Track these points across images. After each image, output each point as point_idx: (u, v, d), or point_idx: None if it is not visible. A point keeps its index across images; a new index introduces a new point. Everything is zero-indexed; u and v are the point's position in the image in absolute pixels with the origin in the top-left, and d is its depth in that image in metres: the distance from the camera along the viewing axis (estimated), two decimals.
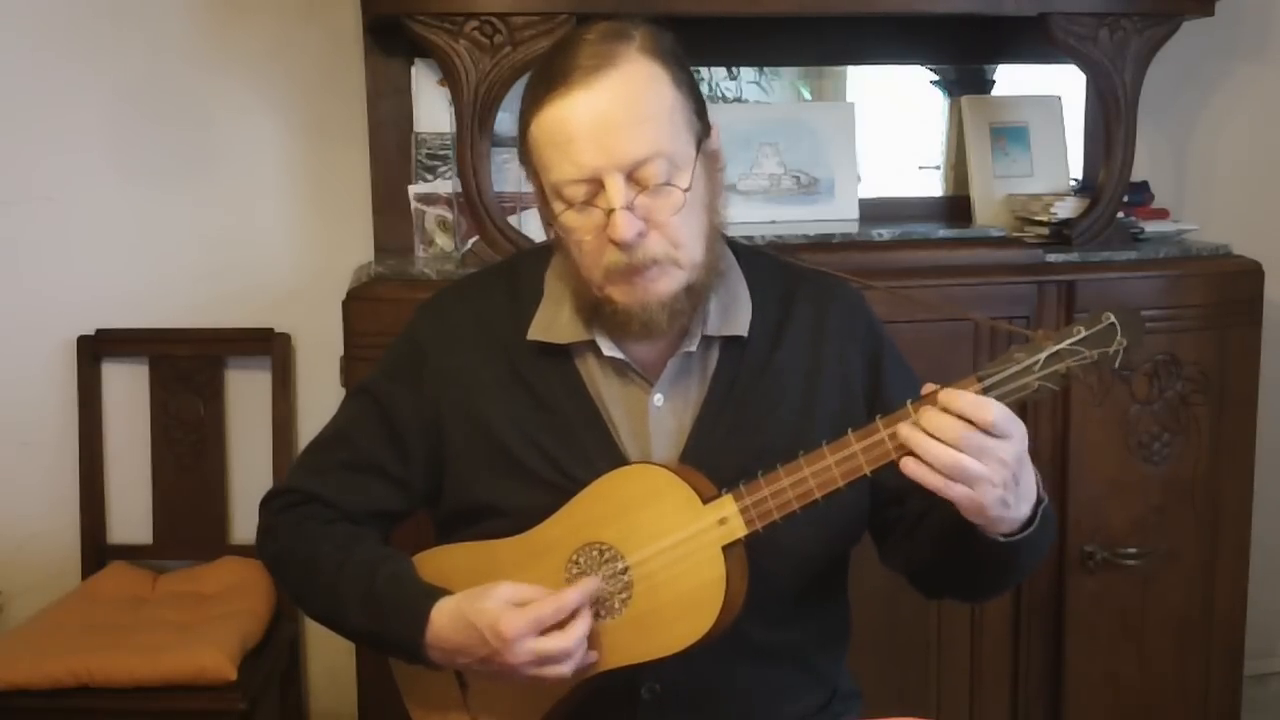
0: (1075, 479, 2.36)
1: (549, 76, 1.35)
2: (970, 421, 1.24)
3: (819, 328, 1.50)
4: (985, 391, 1.27)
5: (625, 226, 1.32)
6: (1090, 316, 1.28)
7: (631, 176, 1.33)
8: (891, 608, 2.25)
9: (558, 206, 1.37)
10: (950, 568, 1.43)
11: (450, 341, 1.50)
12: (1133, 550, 2.39)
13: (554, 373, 1.45)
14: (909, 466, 1.26)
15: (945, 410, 1.25)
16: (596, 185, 1.33)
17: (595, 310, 1.41)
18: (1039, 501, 1.33)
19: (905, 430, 1.26)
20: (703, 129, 1.39)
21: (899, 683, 2.34)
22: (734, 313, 1.46)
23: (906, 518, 1.47)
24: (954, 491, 1.25)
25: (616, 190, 1.32)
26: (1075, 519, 2.37)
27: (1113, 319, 1.27)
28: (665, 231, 1.35)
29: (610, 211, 1.32)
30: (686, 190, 1.34)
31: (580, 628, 1.33)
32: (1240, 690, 2.55)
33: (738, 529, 1.33)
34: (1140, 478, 2.39)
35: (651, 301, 1.37)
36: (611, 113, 1.31)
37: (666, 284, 1.37)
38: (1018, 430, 1.26)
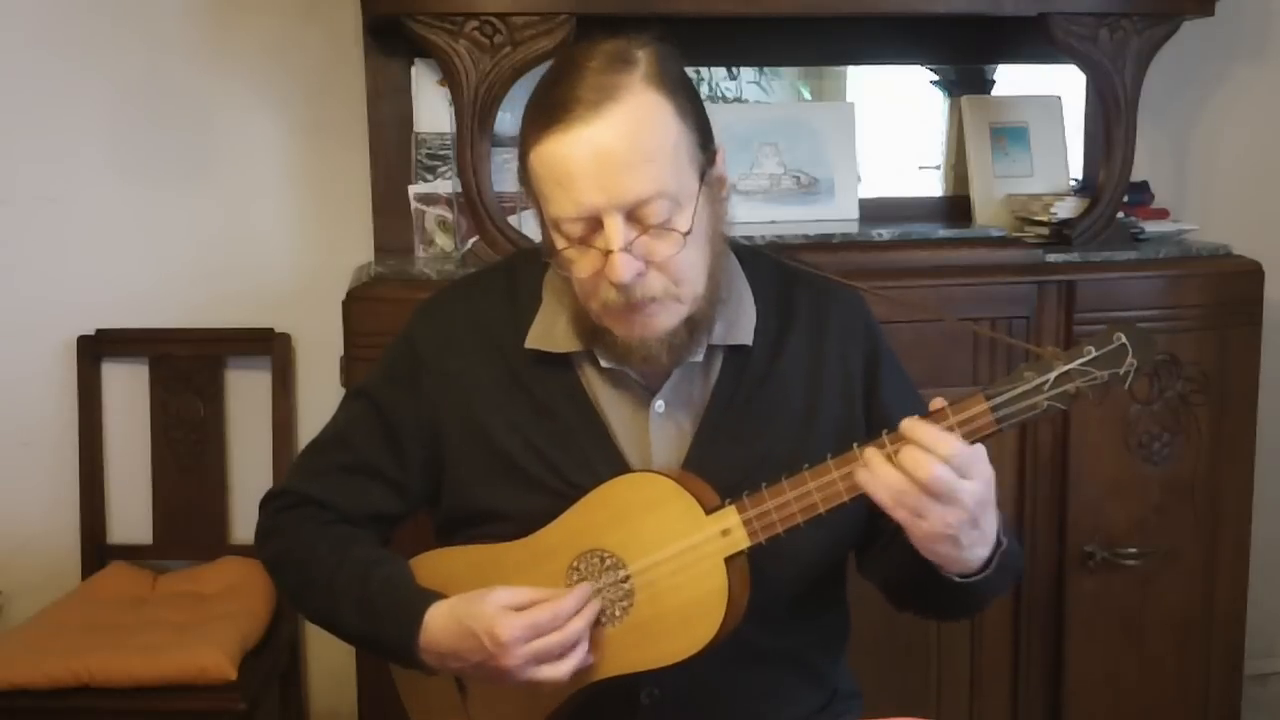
0: (1075, 479, 2.36)
1: (550, 106, 1.31)
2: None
3: (819, 331, 1.49)
4: (993, 410, 1.26)
5: (623, 269, 1.29)
6: (1100, 336, 1.27)
7: (632, 215, 1.30)
8: (891, 609, 2.25)
9: (558, 241, 1.34)
10: (910, 591, 1.45)
11: (448, 344, 1.50)
12: (1133, 550, 2.39)
13: (553, 378, 1.45)
14: (861, 475, 1.26)
15: (911, 440, 1.24)
16: (595, 223, 1.30)
17: (594, 334, 1.40)
18: (997, 545, 1.33)
19: (869, 453, 1.26)
20: (707, 159, 1.36)
21: (899, 683, 2.34)
22: (739, 321, 1.45)
23: (888, 530, 1.47)
24: (899, 514, 1.26)
25: (615, 231, 1.29)
26: (1075, 519, 2.37)
27: (1124, 339, 1.26)
28: (665, 270, 1.33)
29: (609, 252, 1.30)
30: (687, 233, 1.31)
31: (577, 626, 1.33)
32: (1240, 690, 2.55)
33: (741, 541, 1.33)
34: (1140, 478, 2.39)
35: (650, 337, 1.35)
36: (613, 151, 1.28)
37: (665, 319, 1.35)
38: (984, 474, 1.26)
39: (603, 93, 1.29)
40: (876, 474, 1.25)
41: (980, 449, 1.27)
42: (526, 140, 1.34)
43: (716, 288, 1.40)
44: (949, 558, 1.29)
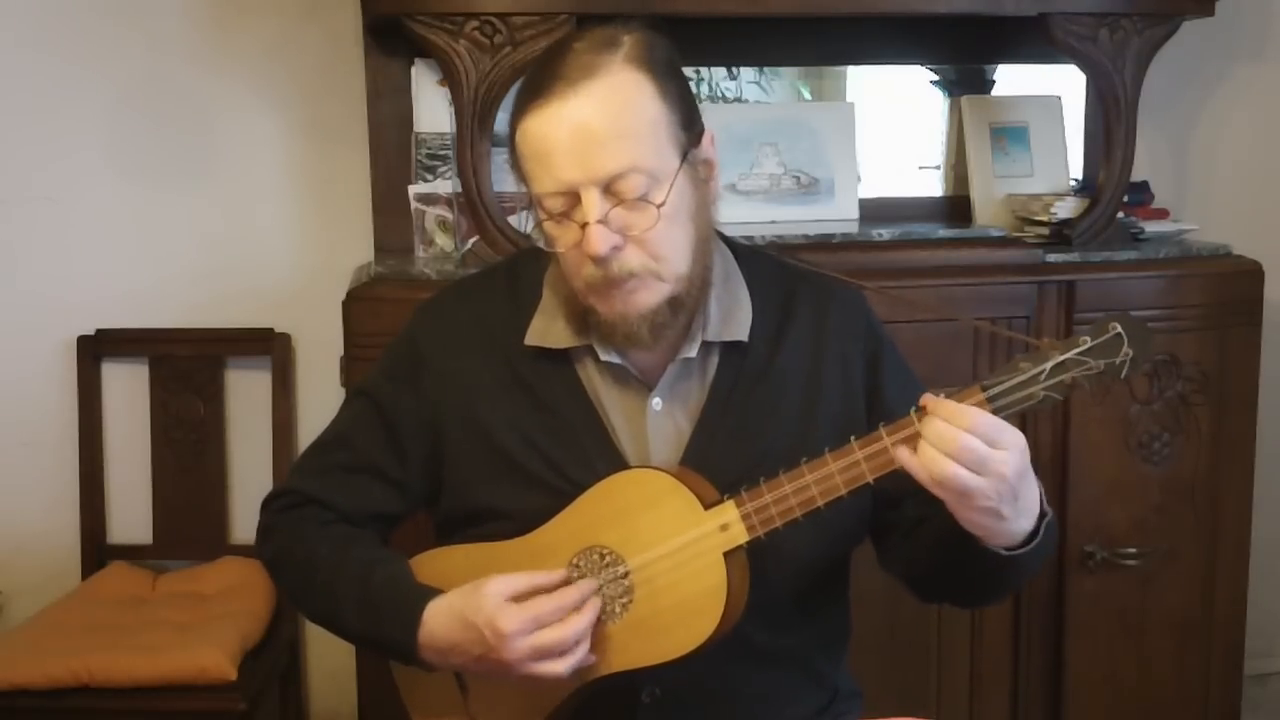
0: (1075, 479, 2.36)
1: (535, 85, 1.34)
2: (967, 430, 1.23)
3: (819, 329, 1.49)
4: (990, 401, 1.26)
5: (599, 242, 1.31)
6: (1096, 326, 1.27)
7: (609, 189, 1.32)
8: (892, 609, 2.25)
9: (541, 217, 1.37)
10: (946, 575, 1.43)
11: (449, 343, 1.50)
12: (1133, 550, 2.39)
13: (553, 376, 1.45)
14: (903, 455, 1.26)
15: (936, 414, 1.24)
16: (574, 198, 1.33)
17: (583, 319, 1.41)
18: (1042, 515, 1.32)
19: (908, 447, 1.26)
20: (690, 140, 1.38)
21: (899, 683, 2.34)
22: (735, 317, 1.45)
23: (904, 522, 1.47)
24: (943, 493, 1.25)
25: (591, 204, 1.31)
26: (1075, 519, 2.37)
27: (1119, 329, 1.26)
28: (644, 245, 1.34)
29: (585, 225, 1.32)
30: (661, 206, 1.33)
31: (579, 621, 1.33)
32: (1240, 690, 2.55)
33: (739, 535, 1.33)
34: (1140, 478, 2.39)
35: (631, 314, 1.36)
36: (589, 126, 1.30)
37: (647, 297, 1.36)
38: (1017, 443, 1.25)
39: (583, 71, 1.32)
40: (918, 453, 1.25)
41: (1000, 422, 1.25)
42: (513, 121, 1.37)
43: (704, 271, 1.41)
44: (992, 530, 1.28)
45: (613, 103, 1.31)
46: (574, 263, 1.36)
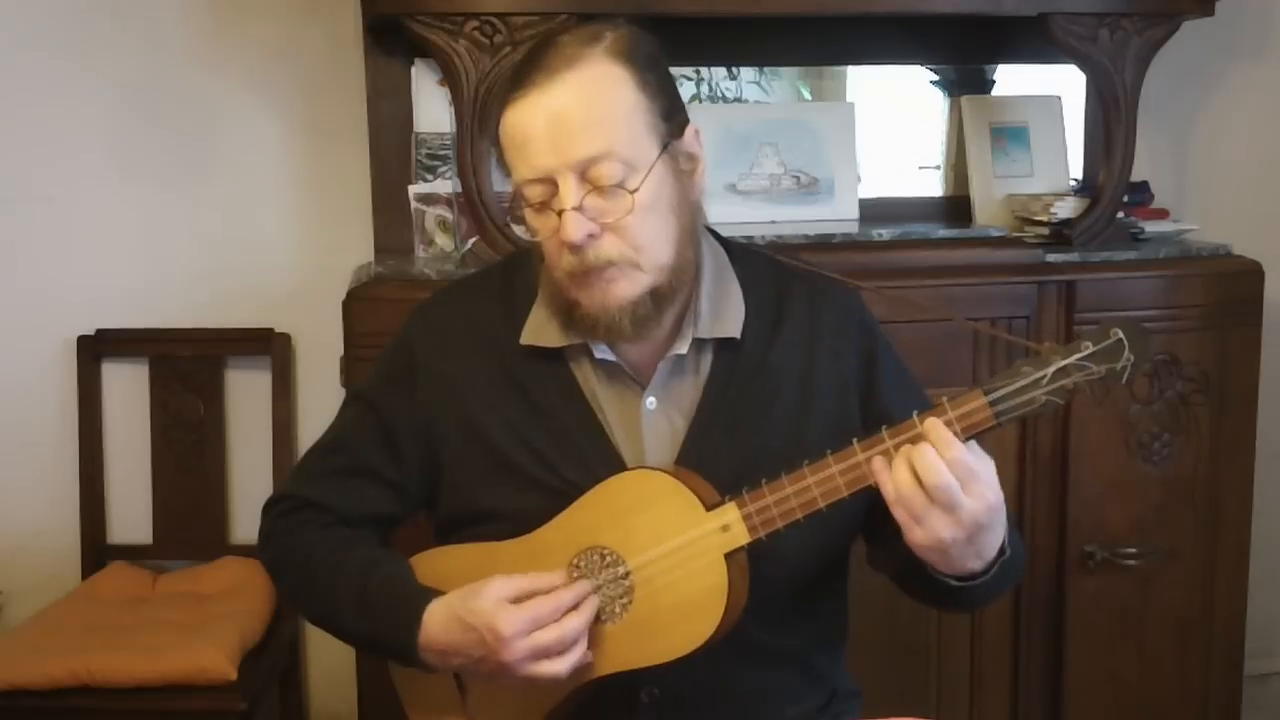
0: (1075, 479, 2.36)
1: (518, 78, 1.36)
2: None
3: (813, 327, 1.49)
4: (991, 405, 1.27)
5: (573, 228, 1.32)
6: (1097, 331, 1.27)
7: (585, 177, 1.33)
8: (891, 608, 2.24)
9: (522, 206, 1.38)
10: (907, 584, 1.46)
11: (444, 346, 1.50)
12: (1133, 550, 2.39)
13: (548, 376, 1.45)
14: (877, 465, 1.28)
15: (928, 443, 1.25)
16: (552, 187, 1.34)
17: (568, 314, 1.41)
18: (1000, 555, 1.34)
19: (885, 459, 1.28)
20: (670, 131, 1.38)
21: (899, 683, 2.34)
22: (726, 314, 1.45)
23: (892, 526, 1.47)
24: (897, 513, 1.27)
25: (567, 190, 1.33)
26: (1075, 519, 2.37)
27: (1120, 335, 1.26)
28: (621, 234, 1.34)
29: (561, 213, 1.33)
30: (634, 192, 1.33)
31: (576, 620, 1.33)
32: (1240, 690, 2.55)
33: (740, 536, 1.33)
34: (1140, 478, 2.39)
35: (611, 305, 1.36)
36: (565, 112, 1.32)
37: (626, 287, 1.36)
38: (984, 496, 1.26)
39: (564, 62, 1.34)
40: (893, 470, 1.26)
41: (990, 469, 1.27)
42: (497, 114, 1.39)
43: (688, 264, 1.41)
44: (936, 562, 1.31)
45: (589, 91, 1.33)
46: (554, 252, 1.37)
